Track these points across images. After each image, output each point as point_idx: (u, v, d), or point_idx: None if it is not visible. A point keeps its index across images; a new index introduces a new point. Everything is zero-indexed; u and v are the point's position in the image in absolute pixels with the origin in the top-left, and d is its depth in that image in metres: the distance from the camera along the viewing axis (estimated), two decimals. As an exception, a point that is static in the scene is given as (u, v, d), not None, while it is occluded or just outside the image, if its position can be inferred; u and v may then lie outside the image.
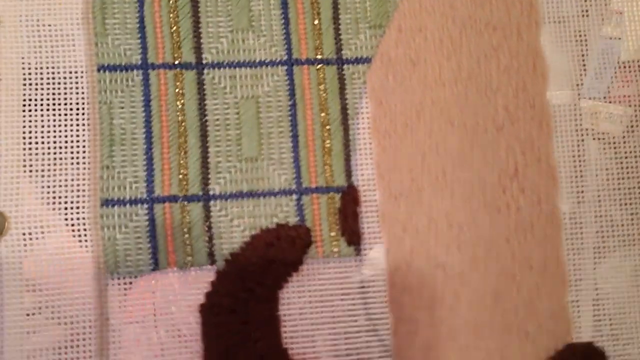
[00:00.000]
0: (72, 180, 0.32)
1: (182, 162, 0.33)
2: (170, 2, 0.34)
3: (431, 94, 0.35)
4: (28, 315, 0.30)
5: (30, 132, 0.32)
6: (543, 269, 0.33)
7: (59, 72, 0.33)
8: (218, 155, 0.33)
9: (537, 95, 0.35)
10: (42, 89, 0.32)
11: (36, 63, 0.33)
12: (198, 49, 0.34)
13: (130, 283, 0.32)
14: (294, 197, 0.33)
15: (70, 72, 0.33)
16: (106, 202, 0.32)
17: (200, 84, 0.33)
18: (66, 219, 0.32)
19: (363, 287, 0.33)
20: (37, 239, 0.31)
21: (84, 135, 0.33)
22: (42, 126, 0.32)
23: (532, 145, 0.34)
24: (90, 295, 0.31)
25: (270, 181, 0.33)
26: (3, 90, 0.32)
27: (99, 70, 0.33)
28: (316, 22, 0.34)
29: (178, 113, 0.33)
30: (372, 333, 0.33)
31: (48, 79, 0.33)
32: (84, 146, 0.32)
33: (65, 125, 0.32)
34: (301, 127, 0.34)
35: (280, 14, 0.34)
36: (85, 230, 0.32)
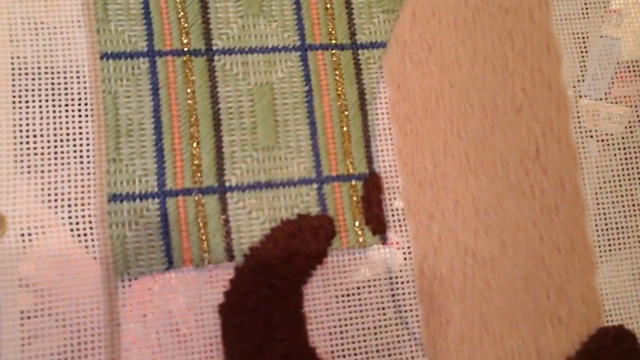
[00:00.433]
0: (75, 175, 0.29)
1: (194, 152, 0.30)
2: (176, -14, 0.32)
3: (449, 77, 0.33)
4: (29, 318, 0.27)
5: (27, 125, 0.29)
6: (571, 251, 0.32)
7: (57, 61, 0.30)
8: (233, 145, 0.31)
9: (553, 76, 0.34)
10: (40, 79, 0.30)
11: (32, 52, 0.30)
12: (207, 35, 0.32)
13: (130, 282, 0.29)
14: (315, 186, 0.31)
15: (71, 61, 0.30)
16: (114, 198, 0.29)
17: (211, 70, 0.31)
18: (69, 217, 0.29)
19: (391, 278, 0.31)
20: (37, 239, 0.28)
21: (87, 127, 0.30)
22: (41, 118, 0.30)
23: (551, 126, 0.33)
24: (98, 299, 0.28)
25: (289, 170, 0.31)
26: (-3, 79, 0.29)
27: (102, 58, 0.30)
28: (328, 6, 0.33)
29: (189, 101, 0.31)
30: (402, 326, 0.31)
31: (46, 68, 0.30)
32: (87, 139, 0.30)
33: (67, 117, 0.30)
34: (318, 113, 0.32)
35: None
36: (91, 228, 0.29)
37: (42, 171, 0.29)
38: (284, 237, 0.30)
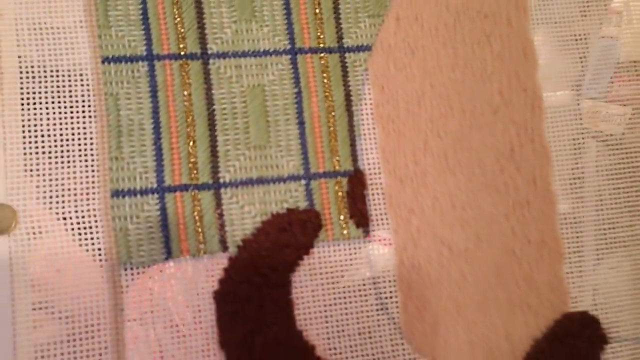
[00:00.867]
0: (80, 172, 0.32)
1: (191, 151, 0.33)
2: (173, -8, 0.33)
3: (430, 80, 0.35)
4: (40, 309, 0.30)
5: (35, 125, 0.31)
6: (541, 244, 0.35)
7: (62, 65, 0.32)
8: (227, 144, 0.33)
9: (529, 79, 0.36)
10: (46, 82, 0.32)
11: (38, 56, 0.32)
12: (203, 40, 0.33)
13: (132, 276, 0.32)
14: (303, 182, 0.33)
15: (74, 64, 0.32)
16: (116, 193, 0.32)
17: (207, 73, 0.33)
18: (76, 211, 0.31)
19: (372, 267, 0.34)
20: (46, 232, 0.31)
21: (90, 127, 0.32)
22: (48, 119, 0.32)
23: (525, 127, 0.35)
24: (103, 286, 0.31)
25: (279, 168, 0.33)
26: (6, 84, 0.31)
27: (103, 62, 0.32)
28: (317, 11, 0.35)
29: (185, 103, 0.33)
30: (383, 311, 0.33)
31: (51, 72, 0.32)
32: (90, 138, 0.32)
33: (71, 118, 0.32)
34: (307, 114, 0.34)
35: (282, 3, 0.34)
36: (95, 221, 0.31)
37: (50, 169, 0.31)
38: (274, 230, 0.33)
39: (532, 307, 0.34)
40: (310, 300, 0.33)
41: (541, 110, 0.36)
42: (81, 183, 0.31)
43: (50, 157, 0.31)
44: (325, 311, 0.33)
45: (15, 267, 0.30)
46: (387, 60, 0.35)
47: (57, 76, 0.32)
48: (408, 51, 0.36)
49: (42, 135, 0.31)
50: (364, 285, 0.33)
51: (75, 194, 0.31)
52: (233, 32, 0.34)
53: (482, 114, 0.35)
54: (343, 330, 0.33)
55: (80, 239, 0.31)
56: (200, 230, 0.32)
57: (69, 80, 0.32)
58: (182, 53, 0.33)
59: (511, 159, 0.35)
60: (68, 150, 0.32)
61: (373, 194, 0.34)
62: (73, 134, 0.32)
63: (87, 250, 0.31)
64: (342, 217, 0.33)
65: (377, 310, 0.33)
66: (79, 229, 0.31)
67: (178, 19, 0.33)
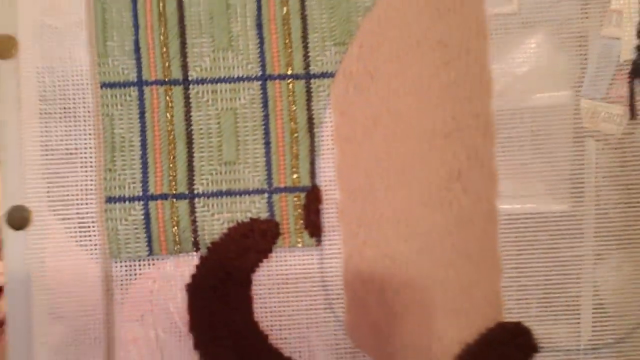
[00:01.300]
0: (82, 181, 0.38)
1: (171, 165, 0.38)
2: (161, 25, 0.38)
3: (387, 104, 0.39)
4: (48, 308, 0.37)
5: (48, 140, 0.38)
6: (480, 260, 0.38)
7: (68, 90, 0.38)
8: (202, 160, 0.38)
9: (482, 106, 0.39)
10: (56, 104, 0.38)
11: (52, 82, 0.38)
12: (185, 67, 0.38)
13: (136, 276, 0.38)
14: (266, 195, 0.38)
15: (79, 90, 0.38)
16: (109, 200, 0.38)
17: (187, 98, 0.38)
18: (77, 213, 0.38)
19: (322, 271, 0.38)
20: (56, 230, 0.38)
21: (90, 143, 0.38)
22: (57, 135, 0.38)
23: (476, 151, 0.38)
24: (98, 275, 0.38)
25: (246, 182, 0.38)
26: (24, 107, 0.38)
27: (101, 87, 0.38)
28: (287, 41, 0.39)
29: (168, 123, 0.38)
30: (329, 310, 0.38)
31: (61, 95, 0.38)
32: (90, 153, 0.38)
33: (75, 135, 0.38)
34: (273, 135, 0.39)
35: (256, 34, 0.39)
36: (92, 222, 0.38)
37: (57, 177, 0.38)
38: (239, 236, 0.38)
39: (468, 316, 0.38)
40: (267, 297, 0.38)
41: (492, 136, 0.39)
42: (82, 190, 0.38)
43: (58, 167, 0.38)
44: (279, 307, 0.38)
45: (32, 261, 0.37)
46: (347, 86, 0.39)
47: (66, 99, 0.38)
48: (368, 77, 0.39)
49: (53, 149, 0.38)
50: (314, 286, 0.38)
51: (77, 199, 0.38)
52: (211, 60, 0.39)
53: (434, 137, 0.39)
54: (293, 324, 0.38)
55: (78, 237, 0.38)
56: (176, 233, 0.38)
57: (74, 103, 0.38)
58: (167, 79, 0.38)
59: (458, 181, 0.38)
60: (73, 162, 0.38)
61: (327, 208, 0.39)
62: (76, 148, 0.38)
63: (84, 247, 0.38)
64: (297, 228, 0.38)
65: (324, 308, 0.38)
66: (79, 229, 0.38)
67: (164, 49, 0.38)
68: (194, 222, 0.38)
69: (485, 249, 0.38)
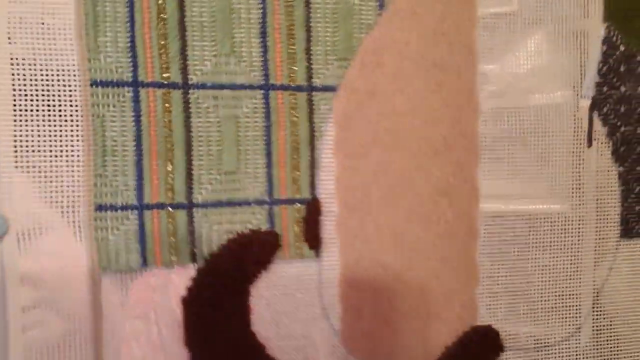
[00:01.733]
0: (68, 186, 0.35)
1: (169, 173, 0.36)
2: (160, 24, 0.36)
3: (385, 122, 0.40)
4: (27, 310, 0.34)
5: (27, 141, 0.34)
6: (460, 269, 0.41)
7: (53, 85, 0.35)
8: (201, 168, 0.37)
9: (469, 126, 0.41)
10: (37, 100, 0.34)
11: (30, 75, 0.34)
12: (184, 70, 0.37)
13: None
14: (266, 206, 0.38)
15: (65, 86, 0.35)
16: (99, 207, 0.35)
17: (186, 103, 0.37)
18: (65, 221, 0.35)
19: (320, 282, 0.39)
20: (35, 240, 0.34)
21: (77, 145, 0.35)
22: (38, 136, 0.34)
23: (461, 169, 0.41)
24: (86, 290, 0.35)
25: (246, 192, 0.38)
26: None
27: (91, 85, 0.35)
28: (291, 51, 0.38)
29: (165, 129, 0.36)
30: (325, 319, 0.39)
31: (43, 91, 0.34)
32: (77, 155, 0.35)
33: (60, 136, 0.35)
34: (274, 146, 0.38)
35: (260, 41, 0.38)
36: (80, 231, 0.35)
37: (40, 181, 0.34)
38: (238, 247, 0.37)
39: (447, 320, 0.41)
40: (265, 307, 0.38)
41: (477, 155, 0.42)
42: (68, 195, 0.35)
43: (40, 170, 0.34)
44: (278, 317, 0.38)
45: (7, 269, 0.34)
46: (349, 101, 0.40)
47: (48, 96, 0.34)
48: (368, 94, 0.40)
49: (33, 150, 0.34)
50: (311, 297, 0.39)
51: (62, 206, 0.35)
52: (213, 65, 0.37)
53: (425, 155, 0.41)
54: (291, 334, 0.38)
55: (66, 246, 0.35)
56: (173, 244, 0.36)
57: (59, 101, 0.35)
58: (165, 82, 0.36)
59: (445, 196, 0.41)
60: (57, 166, 0.35)
61: (326, 220, 0.39)
62: (61, 151, 0.35)
63: (72, 258, 0.35)
64: (297, 239, 0.38)
65: (321, 318, 0.39)
66: (65, 236, 0.35)
67: (163, 50, 0.36)
68: (191, 232, 0.37)
69: (466, 260, 0.42)
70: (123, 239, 0.35)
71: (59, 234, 0.34)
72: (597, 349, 0.43)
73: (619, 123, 0.42)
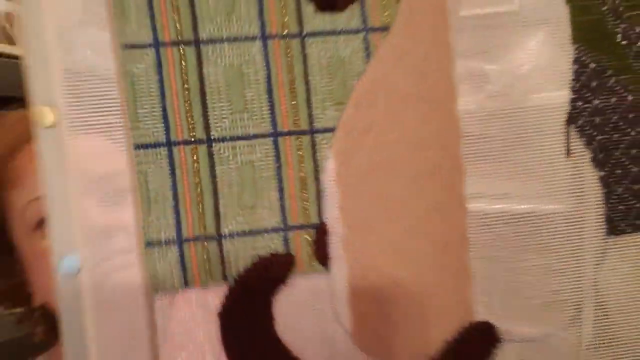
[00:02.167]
0: (126, 226, 0.44)
1: (200, 213, 0.45)
2: (185, 93, 0.44)
3: (380, 154, 0.47)
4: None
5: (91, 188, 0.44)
6: (454, 277, 0.47)
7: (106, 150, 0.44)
8: (226, 206, 0.45)
9: (455, 150, 0.47)
10: (93, 172, 0.44)
11: (82, 147, 0.44)
12: (207, 128, 0.45)
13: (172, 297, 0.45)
14: (282, 233, 0.46)
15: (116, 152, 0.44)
16: (148, 244, 0.44)
17: (210, 154, 0.45)
18: (127, 253, 0.44)
19: (331, 292, 0.47)
20: (103, 270, 0.44)
21: (128, 198, 0.44)
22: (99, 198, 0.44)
23: (452, 189, 0.47)
24: (141, 308, 0.45)
25: (264, 222, 0.46)
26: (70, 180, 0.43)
27: (135, 148, 0.44)
28: (294, 102, 0.45)
29: (195, 177, 0.45)
30: (337, 323, 0.47)
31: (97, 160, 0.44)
32: (128, 206, 0.44)
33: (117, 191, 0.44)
34: (285, 182, 0.46)
35: (267, 98, 0.45)
36: (135, 259, 0.44)
37: (98, 228, 0.44)
38: (261, 267, 0.46)
39: (446, 319, 0.48)
40: (286, 315, 0.46)
41: (463, 174, 0.47)
42: (126, 234, 0.44)
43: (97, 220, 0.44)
44: (296, 323, 0.46)
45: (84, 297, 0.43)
46: (347, 138, 0.46)
47: (102, 161, 0.44)
48: (364, 131, 0.47)
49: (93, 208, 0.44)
50: (324, 304, 0.47)
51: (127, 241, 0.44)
52: (230, 121, 0.45)
53: (419, 178, 0.47)
54: (308, 337, 0.46)
55: (124, 273, 0.44)
56: (208, 268, 0.45)
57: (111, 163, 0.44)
58: (193, 139, 0.44)
59: (437, 213, 0.47)
60: (119, 217, 0.44)
61: (334, 240, 0.47)
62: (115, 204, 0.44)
63: (130, 280, 0.44)
64: (310, 258, 0.46)
65: (333, 322, 0.47)
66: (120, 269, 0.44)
67: (189, 113, 0.44)
68: (222, 259, 0.45)
69: (459, 269, 0.48)
70: (168, 267, 0.44)
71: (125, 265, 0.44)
72: (595, 344, 0.45)
73: (594, 133, 0.46)
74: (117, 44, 0.43)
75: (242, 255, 0.45)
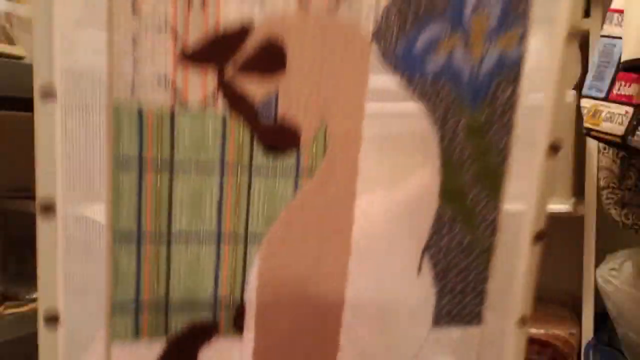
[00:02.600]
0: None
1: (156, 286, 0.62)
2: (157, 207, 0.61)
3: (293, 268, 0.65)
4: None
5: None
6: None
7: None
8: (179, 293, 0.63)
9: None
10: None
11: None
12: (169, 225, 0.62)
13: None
14: (213, 304, 0.64)
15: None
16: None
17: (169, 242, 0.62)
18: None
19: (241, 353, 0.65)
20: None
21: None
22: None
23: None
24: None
25: (202, 297, 0.64)
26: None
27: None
28: (235, 220, 0.63)
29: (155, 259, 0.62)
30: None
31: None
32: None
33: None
34: (220, 280, 0.64)
35: (216, 213, 0.62)
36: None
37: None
38: (198, 331, 0.64)
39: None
40: (207, 364, 0.65)
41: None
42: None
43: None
44: None
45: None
46: (269, 251, 0.64)
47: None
48: (281, 242, 0.64)
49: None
50: (235, 360, 0.65)
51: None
52: (187, 224, 0.62)
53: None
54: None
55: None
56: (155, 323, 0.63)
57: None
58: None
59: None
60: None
61: (247, 317, 0.65)
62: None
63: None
64: (229, 326, 0.65)
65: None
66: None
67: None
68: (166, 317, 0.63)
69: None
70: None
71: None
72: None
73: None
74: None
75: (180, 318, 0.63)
